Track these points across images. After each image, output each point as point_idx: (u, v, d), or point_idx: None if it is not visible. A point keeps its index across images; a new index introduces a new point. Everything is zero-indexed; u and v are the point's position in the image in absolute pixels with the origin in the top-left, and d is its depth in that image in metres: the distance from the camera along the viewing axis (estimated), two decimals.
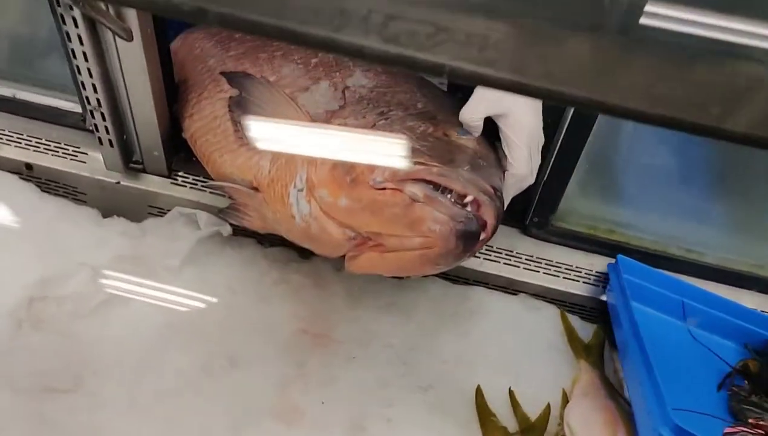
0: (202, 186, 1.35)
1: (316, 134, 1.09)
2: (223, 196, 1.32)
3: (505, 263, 1.33)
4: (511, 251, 1.34)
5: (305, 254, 1.35)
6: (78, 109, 1.35)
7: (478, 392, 1.15)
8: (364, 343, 1.20)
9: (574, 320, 1.32)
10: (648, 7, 0.50)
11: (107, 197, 1.37)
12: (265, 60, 1.26)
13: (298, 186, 1.09)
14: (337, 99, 1.16)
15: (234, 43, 1.33)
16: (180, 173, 1.36)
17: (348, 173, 1.01)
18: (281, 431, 1.05)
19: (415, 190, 0.96)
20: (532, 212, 1.29)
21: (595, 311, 1.34)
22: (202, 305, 1.22)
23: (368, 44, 0.47)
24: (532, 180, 1.07)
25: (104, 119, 1.23)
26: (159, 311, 1.19)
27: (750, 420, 1.04)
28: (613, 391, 1.15)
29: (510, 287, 1.34)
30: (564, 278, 1.33)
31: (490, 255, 1.33)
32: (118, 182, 1.35)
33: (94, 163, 1.36)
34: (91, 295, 1.16)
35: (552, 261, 1.33)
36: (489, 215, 0.96)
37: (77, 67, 1.15)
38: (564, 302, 1.35)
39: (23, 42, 1.38)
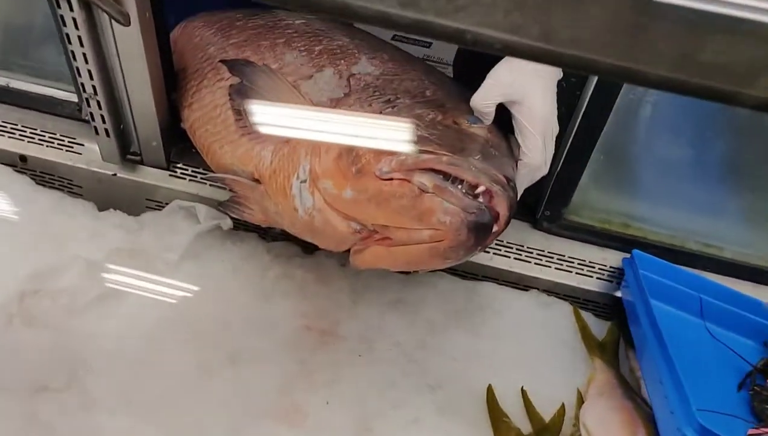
0: (202, 178, 1.31)
1: (320, 120, 1.04)
2: (224, 188, 1.28)
3: (515, 258, 1.29)
4: (522, 246, 1.29)
5: (308, 248, 1.31)
6: (74, 98, 1.31)
7: (490, 391, 1.11)
8: (369, 340, 1.16)
9: (587, 317, 1.27)
10: None
11: (103, 190, 1.33)
12: (267, 47, 1.21)
13: (301, 177, 1.05)
14: (342, 87, 1.11)
15: (235, 31, 1.29)
16: (179, 165, 1.32)
17: (353, 163, 0.97)
18: (283, 433, 1.01)
19: (424, 180, 0.91)
20: (544, 205, 1.25)
21: (609, 308, 1.29)
22: (201, 301, 1.17)
23: (385, 9, 0.43)
24: (545, 170, 1.02)
25: (100, 108, 1.19)
26: (156, 307, 1.14)
27: None
28: (630, 390, 1.10)
29: (520, 283, 1.30)
30: (576, 273, 1.28)
31: (500, 250, 1.29)
32: (115, 174, 1.31)
33: (90, 154, 1.32)
34: (86, 289, 1.11)
35: (564, 256, 1.29)
36: (502, 206, 0.92)
37: (72, 52, 1.10)
38: (576, 299, 1.30)
39: (17, 29, 1.34)
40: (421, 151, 0.93)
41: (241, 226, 1.31)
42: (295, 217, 1.07)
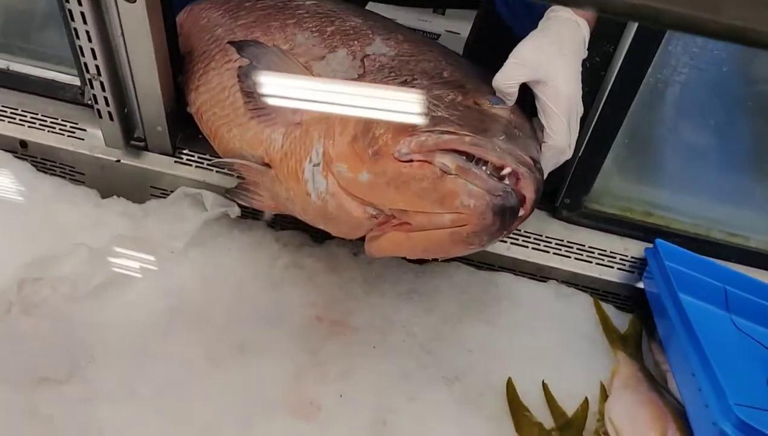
0: (208, 165, 1.27)
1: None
2: (231, 175, 1.24)
3: (533, 248, 1.24)
4: (540, 235, 1.25)
5: (318, 237, 1.27)
6: (76, 82, 1.27)
7: (509, 385, 1.06)
8: (383, 331, 1.11)
9: (608, 309, 1.23)
10: None
11: (106, 177, 1.29)
12: (277, 28, 1.17)
13: (313, 161, 1.00)
14: (356, 67, 1.07)
15: (243, 12, 1.24)
16: (184, 151, 1.28)
17: (370, 145, 0.92)
18: (296, 426, 0.96)
19: (446, 161, 0.86)
20: (564, 193, 1.20)
21: (630, 300, 1.25)
22: (207, 290, 1.13)
23: None
24: (569, 154, 0.98)
25: (104, 89, 1.14)
26: (162, 295, 1.10)
27: None
28: (656, 383, 1.06)
29: (538, 274, 1.26)
30: (597, 263, 1.24)
31: (517, 239, 1.25)
32: (119, 161, 1.27)
33: (92, 140, 1.28)
34: (88, 277, 1.07)
35: (584, 246, 1.24)
36: (528, 189, 0.87)
37: (75, 30, 1.06)
38: (596, 290, 1.26)
39: (18, 10, 1.30)
40: (442, 132, 0.89)
41: (249, 214, 1.26)
42: (307, 202, 1.03)
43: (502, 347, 1.13)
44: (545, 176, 0.98)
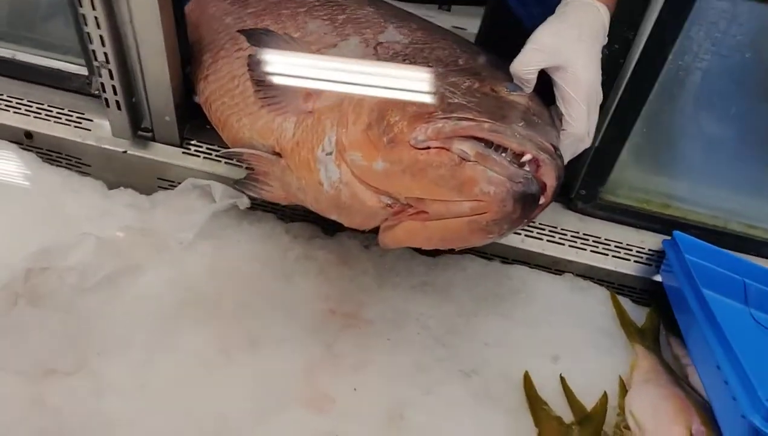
0: (217, 156, 1.25)
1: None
2: (240, 166, 1.22)
3: (548, 241, 1.22)
4: (555, 227, 1.23)
5: (329, 230, 1.24)
6: (83, 71, 1.25)
7: (527, 378, 1.04)
8: (397, 324, 1.09)
9: (624, 302, 1.21)
10: None
11: (113, 168, 1.27)
12: (288, 16, 1.15)
13: (326, 149, 0.98)
14: (369, 56, 1.05)
15: (253, 0, 1.23)
16: (192, 142, 1.26)
17: (385, 133, 0.90)
18: (310, 419, 0.94)
19: (465, 147, 0.84)
20: (579, 184, 1.18)
21: (647, 293, 1.23)
22: (217, 282, 1.11)
23: None
24: (589, 142, 0.96)
25: (112, 77, 1.12)
26: (171, 287, 1.08)
27: None
28: (677, 377, 1.04)
29: (553, 267, 1.23)
30: (613, 256, 1.22)
31: (532, 232, 1.22)
32: (125, 152, 1.25)
33: (99, 131, 1.26)
34: (96, 267, 1.04)
35: (600, 238, 1.22)
36: (549, 176, 0.85)
37: (83, 16, 1.04)
38: (612, 283, 1.23)
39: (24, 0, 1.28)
40: (460, 119, 0.87)
41: (258, 206, 1.24)
42: (319, 191, 1.00)
43: (518, 341, 1.10)
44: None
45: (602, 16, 0.94)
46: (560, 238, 1.22)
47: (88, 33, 1.06)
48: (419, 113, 0.89)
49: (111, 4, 1.03)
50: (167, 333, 1.01)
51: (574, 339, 1.13)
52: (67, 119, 1.27)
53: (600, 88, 0.95)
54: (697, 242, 1.15)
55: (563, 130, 0.94)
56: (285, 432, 0.93)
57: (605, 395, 1.03)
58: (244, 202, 1.19)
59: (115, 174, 1.27)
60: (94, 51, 1.09)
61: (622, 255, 1.22)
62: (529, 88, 0.94)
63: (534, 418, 0.99)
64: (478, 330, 1.11)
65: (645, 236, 1.22)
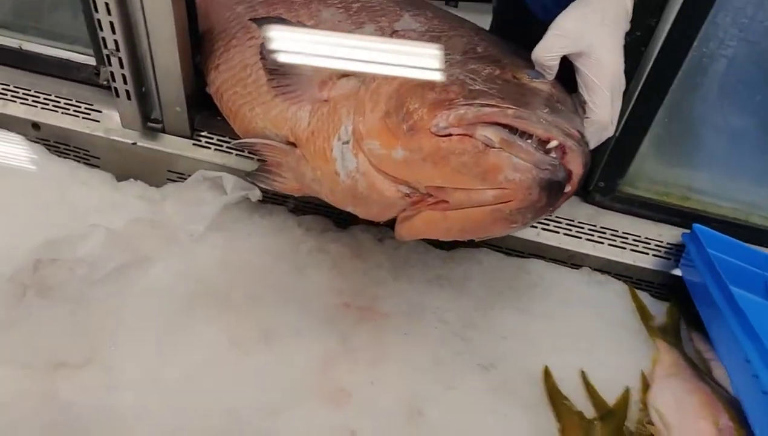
0: (228, 147, 1.22)
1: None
2: (251, 158, 1.20)
3: (565, 234, 1.20)
4: (572, 221, 1.21)
5: (341, 223, 1.22)
6: (91, 61, 1.23)
7: (547, 373, 1.02)
8: (414, 317, 1.07)
9: (643, 297, 1.18)
10: None
11: (122, 160, 1.25)
12: (301, 4, 1.13)
13: (343, 138, 0.96)
14: None
15: None
16: (203, 133, 1.24)
17: (404, 121, 0.88)
18: (327, 414, 0.92)
19: (489, 134, 0.82)
20: (598, 176, 1.16)
21: (665, 287, 1.21)
22: (230, 274, 1.09)
23: None
24: (612, 130, 0.94)
25: (122, 66, 1.10)
26: (183, 280, 1.05)
27: None
28: (701, 372, 1.01)
29: (570, 261, 1.21)
30: (631, 250, 1.20)
31: (548, 225, 1.20)
32: (135, 143, 1.23)
33: (108, 122, 1.24)
34: (106, 259, 1.02)
35: (618, 231, 1.20)
36: (575, 164, 0.83)
37: (94, 2, 1.02)
38: (630, 277, 1.21)
39: None
40: (482, 105, 0.84)
41: (268, 199, 1.22)
42: (335, 182, 0.98)
43: (536, 335, 1.08)
44: None
45: (625, 1, 0.92)
46: (577, 231, 1.20)
47: (98, 19, 1.04)
48: (440, 100, 0.87)
49: None
50: (179, 326, 0.99)
51: (593, 334, 1.11)
52: (75, 110, 1.25)
53: (623, 75, 0.92)
54: (718, 236, 1.13)
55: (587, 117, 0.91)
56: (301, 426, 0.91)
57: (627, 390, 1.01)
58: (256, 194, 1.17)
59: (123, 166, 1.25)
60: (104, 38, 1.07)
61: (640, 249, 1.19)
62: (552, 74, 0.92)
63: (555, 413, 0.97)
64: (496, 324, 1.09)
65: (663, 229, 1.20)
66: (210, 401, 0.92)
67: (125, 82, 1.13)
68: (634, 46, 0.99)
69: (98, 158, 1.26)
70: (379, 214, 0.99)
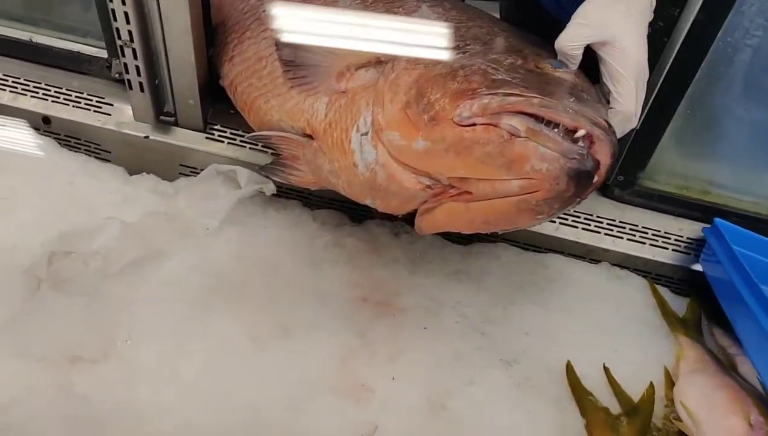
0: (241, 141, 1.21)
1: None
2: (265, 151, 1.19)
3: (583, 229, 1.19)
4: (591, 215, 1.19)
5: (357, 217, 1.21)
6: (103, 54, 1.22)
7: (570, 368, 1.00)
8: (433, 312, 1.05)
9: (663, 292, 1.17)
10: None
11: (134, 154, 1.23)
12: None
13: (361, 130, 0.94)
14: None
15: None
16: (216, 127, 1.22)
17: (425, 111, 0.86)
18: (348, 409, 0.90)
19: (514, 123, 0.80)
20: (618, 169, 1.14)
21: (685, 282, 1.19)
22: (246, 268, 1.07)
23: None
24: (635, 121, 0.92)
25: (135, 57, 1.09)
26: (198, 273, 1.04)
27: None
28: (726, 367, 1.00)
29: (588, 256, 1.20)
30: (650, 245, 1.18)
31: (566, 219, 1.19)
32: (147, 137, 1.21)
33: (120, 115, 1.23)
34: (121, 252, 1.01)
35: (637, 226, 1.19)
36: (603, 153, 0.81)
37: None
38: (649, 272, 1.20)
39: None
40: (507, 94, 0.83)
41: (282, 193, 1.20)
42: (354, 174, 0.96)
43: (557, 330, 1.07)
44: None
45: None
46: (596, 226, 1.19)
47: (112, 9, 1.02)
48: (462, 90, 0.85)
49: None
50: (195, 320, 0.97)
51: (614, 329, 1.09)
52: (86, 104, 1.23)
53: (647, 66, 0.91)
54: (740, 231, 1.11)
55: (611, 108, 0.90)
56: (322, 422, 0.89)
57: (652, 385, 0.99)
58: (270, 188, 1.15)
59: (135, 160, 1.23)
60: (117, 29, 1.05)
61: (659, 244, 1.18)
62: (575, 64, 0.90)
63: (580, 408, 0.95)
64: (516, 319, 1.07)
65: (683, 223, 1.18)
66: (229, 395, 0.91)
67: (138, 74, 1.11)
68: (656, 37, 0.98)
69: (109, 152, 1.24)
70: (398, 207, 0.97)
